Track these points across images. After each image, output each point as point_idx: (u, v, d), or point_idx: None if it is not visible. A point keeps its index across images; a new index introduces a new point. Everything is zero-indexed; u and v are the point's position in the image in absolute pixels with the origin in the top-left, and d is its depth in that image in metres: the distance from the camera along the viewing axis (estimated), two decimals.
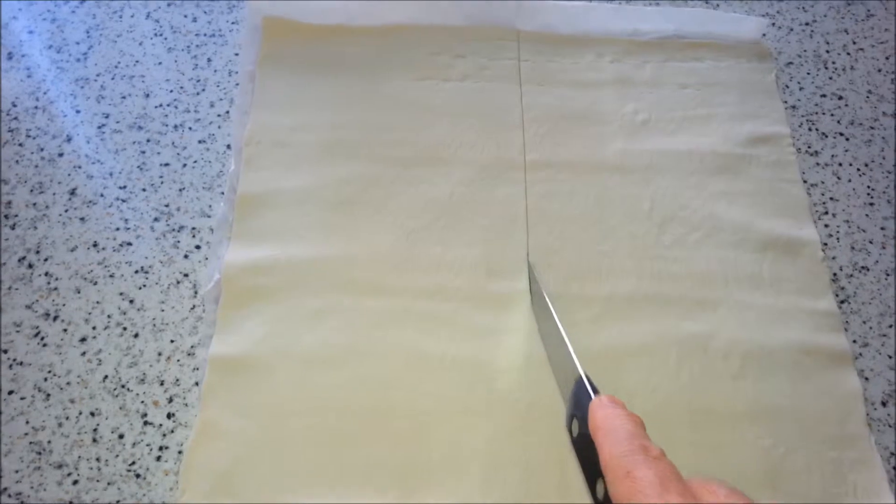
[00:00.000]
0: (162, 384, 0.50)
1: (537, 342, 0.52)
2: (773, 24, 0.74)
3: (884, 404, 0.52)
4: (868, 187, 0.63)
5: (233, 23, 0.69)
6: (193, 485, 0.46)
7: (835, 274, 0.58)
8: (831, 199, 0.62)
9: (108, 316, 0.53)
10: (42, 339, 0.51)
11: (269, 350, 0.51)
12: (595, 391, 0.41)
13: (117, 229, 0.56)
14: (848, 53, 0.72)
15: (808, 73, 0.70)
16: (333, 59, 0.66)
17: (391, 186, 0.59)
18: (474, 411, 0.50)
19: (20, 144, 0.60)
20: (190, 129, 0.62)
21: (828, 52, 0.72)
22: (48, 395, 0.49)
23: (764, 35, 0.70)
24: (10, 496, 0.46)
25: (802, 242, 0.59)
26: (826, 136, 0.65)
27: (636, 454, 0.35)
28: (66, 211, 0.57)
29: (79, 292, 0.53)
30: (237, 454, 0.48)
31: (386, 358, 0.52)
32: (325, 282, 0.54)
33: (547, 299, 0.49)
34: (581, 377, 0.42)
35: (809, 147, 0.65)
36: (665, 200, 0.60)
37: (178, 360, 0.51)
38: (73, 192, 0.58)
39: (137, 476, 0.47)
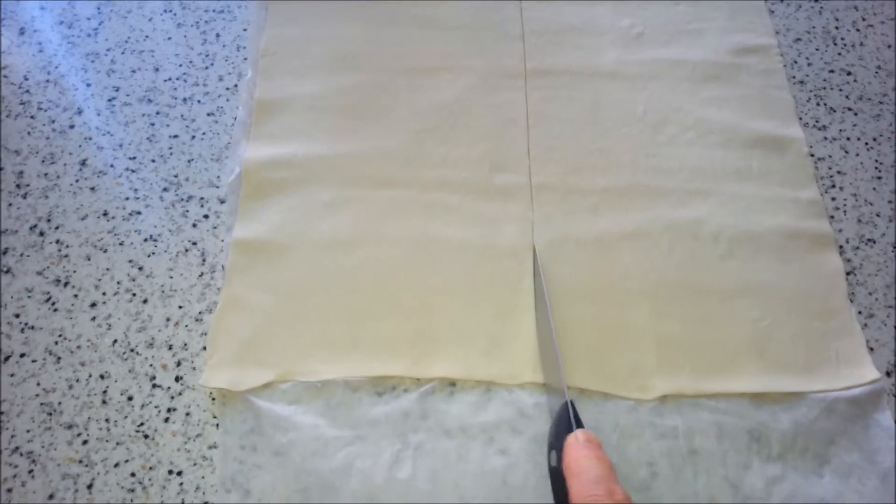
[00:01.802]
0: (170, 348, 0.51)
1: (538, 229, 0.56)
2: (782, 0, 0.73)
3: (888, 374, 0.52)
4: (876, 161, 0.62)
5: None
6: (221, 349, 0.50)
7: (841, 246, 0.58)
8: (839, 172, 0.62)
9: (118, 282, 0.53)
10: (53, 304, 0.52)
11: (286, 235, 0.55)
12: (577, 422, 0.42)
13: (127, 199, 0.57)
14: (857, 29, 0.72)
15: (817, 49, 0.70)
16: None
17: (398, 93, 0.63)
18: (479, 288, 0.53)
19: (32, 117, 0.61)
20: (199, 102, 0.62)
21: (837, 28, 0.72)
22: (59, 358, 0.50)
23: None
24: (21, 454, 0.46)
25: (788, 140, 0.62)
26: (834, 111, 0.65)
27: (602, 498, 0.37)
28: (77, 181, 0.58)
29: (89, 259, 0.54)
30: (259, 324, 0.51)
31: (395, 242, 0.55)
32: (338, 176, 0.58)
33: (548, 304, 0.50)
34: (566, 404, 0.43)
35: (817, 122, 0.65)
36: (658, 105, 0.64)
37: (187, 326, 0.52)
38: (83, 163, 0.59)
39: (146, 437, 0.47)
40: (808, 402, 0.50)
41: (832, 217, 0.59)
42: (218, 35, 0.67)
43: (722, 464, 0.47)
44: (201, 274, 0.54)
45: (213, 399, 0.49)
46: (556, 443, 0.42)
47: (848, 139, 0.64)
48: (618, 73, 0.65)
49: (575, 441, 0.41)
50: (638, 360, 0.51)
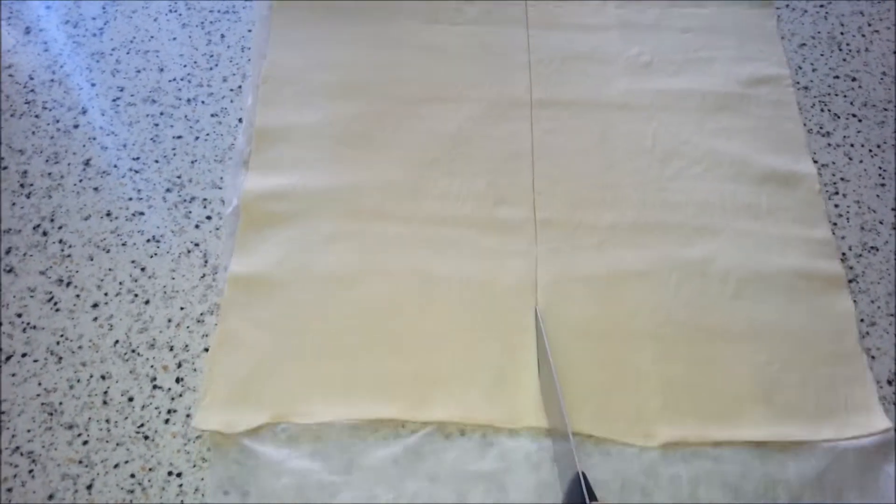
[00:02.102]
0: (171, 349, 0.51)
1: (542, 266, 0.55)
2: (787, 5, 0.73)
3: (889, 383, 0.52)
4: (880, 168, 0.62)
5: None
6: (215, 389, 0.49)
7: (844, 254, 0.57)
8: (842, 179, 0.61)
9: (120, 283, 0.53)
10: (55, 304, 0.52)
11: (284, 270, 0.54)
12: (590, 495, 0.42)
13: (130, 199, 0.57)
14: (863, 35, 0.71)
15: (822, 55, 0.69)
16: (346, 2, 0.69)
17: (400, 122, 0.62)
18: (481, 327, 0.53)
19: (37, 116, 0.61)
20: (203, 102, 0.63)
21: (842, 33, 0.71)
22: (60, 358, 0.50)
23: None
24: (21, 454, 0.47)
25: (800, 176, 0.61)
26: (838, 118, 0.65)
27: None
28: (81, 181, 0.58)
29: (92, 259, 0.54)
30: (254, 363, 0.50)
31: (396, 278, 0.54)
32: (338, 209, 0.57)
33: (553, 369, 0.49)
34: (578, 476, 0.43)
35: (821, 128, 0.64)
36: (667, 136, 0.62)
37: (188, 327, 0.52)
38: (87, 163, 0.59)
39: (146, 438, 0.48)
40: (817, 452, 0.49)
41: (835, 224, 0.59)
42: (223, 36, 0.67)
43: None
44: (203, 275, 0.54)
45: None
46: None
47: (852, 146, 0.63)
48: (626, 104, 0.64)
49: None
50: (642, 405, 0.50)
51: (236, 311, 0.52)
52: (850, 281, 0.56)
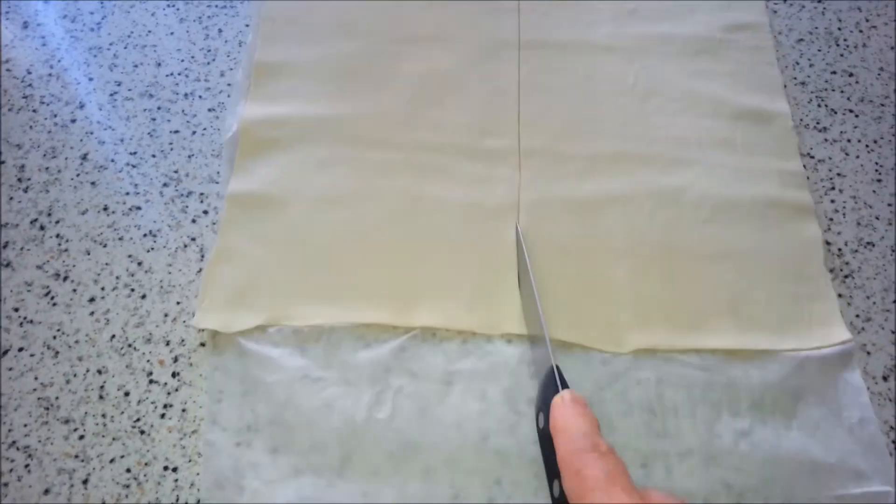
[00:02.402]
0: (167, 344, 0.51)
1: (525, 191, 0.58)
2: (785, 1, 0.73)
3: (885, 379, 0.52)
4: (876, 164, 0.62)
5: None
6: (212, 294, 0.52)
7: (839, 249, 0.57)
8: (838, 174, 0.61)
9: (117, 277, 0.54)
10: (52, 298, 0.52)
11: (280, 189, 0.57)
12: (563, 384, 0.43)
13: (127, 194, 0.57)
14: (860, 31, 0.71)
15: (819, 50, 0.69)
16: None
17: (394, 60, 0.65)
18: (464, 243, 0.55)
19: (34, 111, 0.61)
20: (200, 97, 0.63)
21: (839, 29, 0.71)
22: (57, 352, 0.50)
23: None
24: (18, 449, 0.47)
25: (774, 114, 0.63)
26: (835, 113, 0.65)
27: (587, 452, 0.37)
28: (78, 175, 0.58)
29: (88, 254, 0.54)
30: (250, 273, 0.53)
31: (386, 199, 0.57)
32: (332, 136, 0.60)
33: (532, 278, 0.51)
34: (552, 368, 0.44)
35: (818, 123, 0.64)
36: (648, 77, 0.65)
37: (185, 322, 0.52)
38: (84, 157, 0.59)
39: (142, 432, 0.48)
40: (780, 360, 0.51)
41: (831, 220, 0.59)
42: (220, 30, 0.67)
43: (691, 416, 0.49)
44: (199, 270, 0.54)
45: (203, 344, 0.51)
46: (544, 406, 0.43)
47: (848, 141, 0.63)
48: (610, 46, 0.67)
49: (561, 401, 0.42)
50: (615, 316, 0.52)
51: (234, 227, 0.55)
52: (846, 276, 0.56)
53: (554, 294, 0.53)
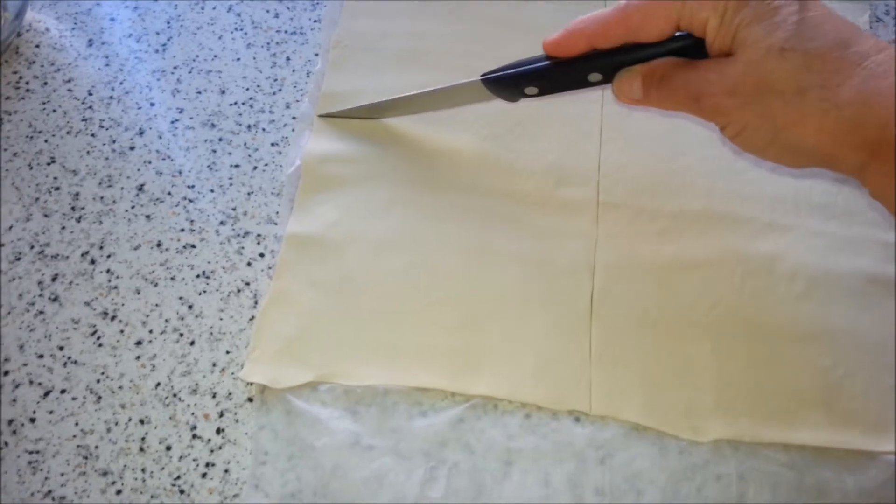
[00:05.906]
0: (214, 396, 0.48)
1: (601, 249, 0.53)
2: None
3: None
4: None
5: (315, 21, 0.67)
6: (264, 344, 0.49)
7: None
8: None
9: (166, 320, 0.51)
10: (98, 338, 0.50)
11: (340, 232, 0.54)
12: None
13: (182, 230, 0.55)
14: None
15: None
16: None
17: None
18: (532, 305, 0.51)
19: (92, 135, 0.59)
20: (263, 130, 0.60)
21: None
22: (99, 397, 0.48)
23: None
24: (53, 499, 0.45)
25: None
26: None
27: None
28: (133, 207, 0.56)
29: (138, 293, 0.52)
30: (304, 322, 0.50)
31: (450, 249, 0.53)
32: (397, 176, 0.57)
33: None
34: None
35: None
36: None
37: (233, 374, 0.49)
38: (140, 188, 0.57)
39: (181, 492, 0.45)
40: (878, 465, 0.46)
41: None
42: (288, 59, 0.65)
43: None
44: (252, 318, 0.51)
45: (251, 399, 0.48)
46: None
47: None
48: None
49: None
50: (695, 399, 0.48)
51: (291, 270, 0.52)
52: None
53: (628, 368, 0.49)
